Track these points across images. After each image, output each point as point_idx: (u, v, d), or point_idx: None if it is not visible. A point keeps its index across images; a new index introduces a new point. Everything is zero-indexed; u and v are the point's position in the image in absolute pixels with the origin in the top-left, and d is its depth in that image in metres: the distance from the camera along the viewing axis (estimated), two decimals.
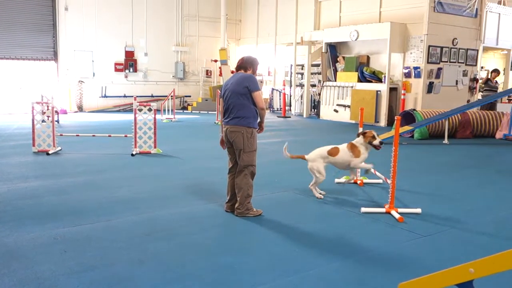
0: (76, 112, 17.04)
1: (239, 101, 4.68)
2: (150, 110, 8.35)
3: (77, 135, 9.59)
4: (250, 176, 4.80)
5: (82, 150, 8.72)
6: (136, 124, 8.33)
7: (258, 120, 4.85)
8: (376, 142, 5.43)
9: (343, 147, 5.54)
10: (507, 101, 14.84)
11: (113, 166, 7.30)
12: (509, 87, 15.86)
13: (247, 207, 4.77)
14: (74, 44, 16.97)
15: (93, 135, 9.59)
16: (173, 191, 5.81)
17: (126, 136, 8.95)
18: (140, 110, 8.37)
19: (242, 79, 4.71)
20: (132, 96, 8.97)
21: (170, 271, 3.40)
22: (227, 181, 4.99)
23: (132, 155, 8.16)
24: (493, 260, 1.55)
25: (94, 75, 17.50)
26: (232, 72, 19.82)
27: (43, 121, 8.51)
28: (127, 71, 18.11)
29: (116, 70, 17.95)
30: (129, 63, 18.09)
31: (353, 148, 5.50)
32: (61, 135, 8.97)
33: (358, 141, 5.51)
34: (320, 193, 5.58)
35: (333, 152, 5.52)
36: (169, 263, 3.56)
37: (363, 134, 5.51)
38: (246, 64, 4.85)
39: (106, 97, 17.80)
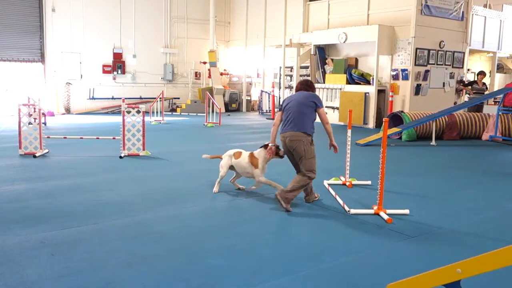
0: (64, 114, 16.88)
1: (303, 111, 5.16)
2: (138, 112, 8.31)
3: (64, 138, 9.49)
4: (309, 179, 5.17)
5: (69, 152, 8.64)
6: (124, 126, 8.28)
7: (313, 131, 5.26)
8: (281, 153, 5.46)
9: (245, 155, 5.65)
10: (493, 103, 15.04)
11: (101, 169, 7.24)
12: (495, 89, 16.08)
13: (288, 197, 5.08)
14: (61, 46, 16.82)
15: (81, 137, 9.51)
16: (162, 193, 5.78)
17: (114, 138, 8.89)
18: (129, 112, 8.32)
19: (309, 96, 5.27)
20: (121, 98, 8.91)
21: (159, 274, 3.38)
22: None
23: (121, 157, 8.10)
24: (479, 260, 1.57)
25: (81, 77, 17.36)
26: (222, 74, 19.86)
27: (29, 123, 8.41)
28: (115, 73, 17.99)
29: (104, 72, 17.83)
30: (117, 65, 17.98)
31: (252, 159, 5.56)
32: (48, 137, 8.88)
33: (259, 152, 5.56)
34: (217, 189, 5.80)
35: (235, 155, 5.70)
36: (157, 266, 3.54)
37: (265, 146, 5.54)
38: (307, 87, 5.42)
39: (94, 99, 17.66)
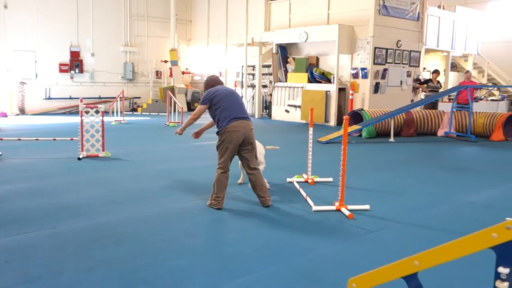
0: (18, 115, 16.23)
1: (242, 103, 5.30)
2: (97, 112, 8.10)
3: (18, 139, 9.13)
4: None
5: (24, 155, 8.31)
6: (82, 126, 8.04)
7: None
8: None
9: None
10: (447, 100, 15.61)
11: (59, 171, 7.01)
12: (449, 87, 16.69)
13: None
14: (15, 44, 16.16)
15: (37, 139, 9.17)
16: (122, 195, 5.66)
17: (72, 139, 8.63)
18: (87, 112, 8.09)
19: (237, 93, 5.44)
20: (78, 98, 8.66)
21: (121, 278, 3.31)
22: (220, 179, 5.09)
23: (79, 159, 7.87)
24: (435, 252, 1.62)
25: (37, 76, 16.75)
26: (184, 73, 19.64)
27: None
28: (72, 72, 17.47)
29: (61, 71, 17.27)
30: (75, 63, 17.46)
31: None
32: (1, 139, 8.51)
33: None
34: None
35: None
36: (119, 269, 3.46)
37: None
38: (221, 82, 5.54)
39: (51, 99, 17.08)
